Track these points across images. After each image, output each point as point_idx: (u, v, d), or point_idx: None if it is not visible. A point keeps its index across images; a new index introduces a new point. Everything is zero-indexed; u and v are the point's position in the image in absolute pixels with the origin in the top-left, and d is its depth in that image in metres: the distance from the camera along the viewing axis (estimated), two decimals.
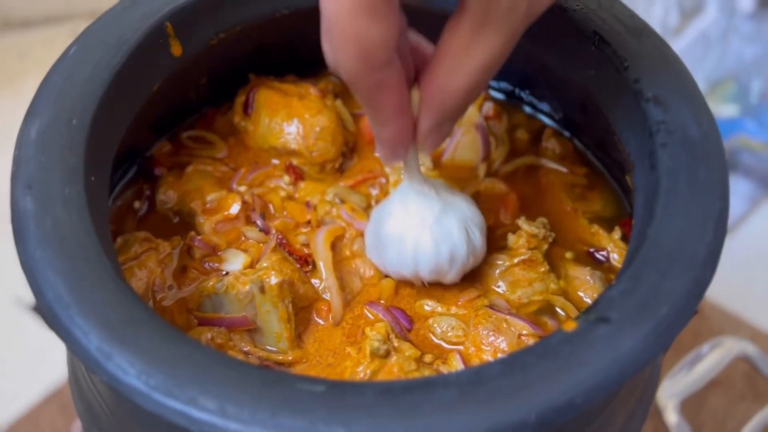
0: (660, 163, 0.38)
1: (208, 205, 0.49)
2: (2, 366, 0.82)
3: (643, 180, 0.39)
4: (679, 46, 1.11)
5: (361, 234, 0.48)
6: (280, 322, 0.42)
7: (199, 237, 0.47)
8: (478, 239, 0.44)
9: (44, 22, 1.16)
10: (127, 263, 0.45)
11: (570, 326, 0.32)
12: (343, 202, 0.50)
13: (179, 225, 0.50)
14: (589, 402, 0.30)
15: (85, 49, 0.41)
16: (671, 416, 0.65)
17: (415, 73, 0.40)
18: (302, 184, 0.51)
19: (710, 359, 0.68)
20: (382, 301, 0.45)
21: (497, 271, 0.46)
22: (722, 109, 1.04)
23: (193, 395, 0.29)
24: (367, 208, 0.50)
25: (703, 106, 0.40)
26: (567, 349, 0.31)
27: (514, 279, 0.46)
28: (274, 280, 0.42)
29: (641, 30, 0.44)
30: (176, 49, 0.46)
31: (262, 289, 0.42)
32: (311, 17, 0.52)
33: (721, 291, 0.87)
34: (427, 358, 0.42)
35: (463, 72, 0.37)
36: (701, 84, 1.06)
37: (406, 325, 0.45)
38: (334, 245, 0.47)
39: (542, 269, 0.46)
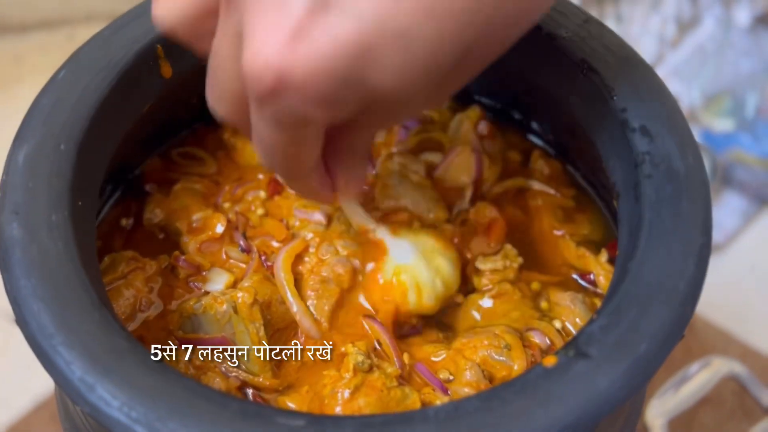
0: (644, 196, 0.38)
1: (194, 224, 0.49)
2: None
3: (627, 211, 0.40)
4: (675, 58, 1.11)
5: (326, 237, 0.48)
6: (253, 344, 0.42)
7: (183, 257, 0.47)
8: (447, 268, 0.45)
9: (40, 26, 1.16)
10: (114, 282, 0.45)
11: (549, 361, 0.32)
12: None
13: (165, 241, 0.50)
14: None
15: (74, 72, 0.42)
16: None
17: None
18: (276, 199, 0.51)
19: (699, 379, 0.68)
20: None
21: (471, 310, 0.46)
22: (717, 123, 1.04)
23: (174, 428, 0.30)
24: (336, 211, 0.50)
25: (688, 138, 0.41)
26: (545, 385, 0.31)
27: (491, 314, 0.46)
28: (246, 300, 0.42)
29: (630, 59, 0.44)
30: (166, 71, 0.46)
31: (235, 309, 0.42)
32: None
33: (712, 307, 0.88)
34: (414, 380, 0.43)
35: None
36: (696, 97, 1.06)
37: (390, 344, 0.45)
38: (300, 258, 0.47)
39: (515, 297, 0.47)
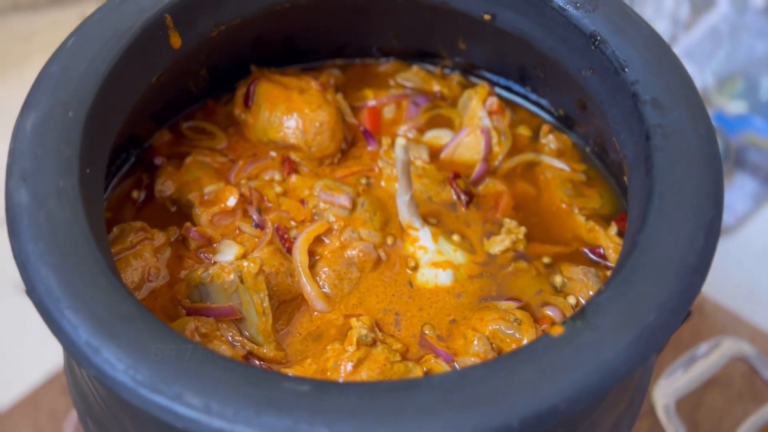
0: (655, 168, 0.38)
1: (205, 197, 0.49)
2: (5, 348, 0.83)
3: (637, 184, 0.39)
4: (688, 40, 1.10)
5: (349, 222, 0.48)
6: (258, 315, 0.42)
7: (195, 228, 0.47)
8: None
9: (52, 4, 1.16)
10: (123, 253, 0.45)
11: (556, 331, 0.32)
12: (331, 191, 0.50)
13: (176, 214, 0.50)
14: (572, 408, 0.30)
15: (83, 40, 0.42)
16: (666, 415, 0.65)
17: None
18: (294, 178, 0.51)
19: (707, 359, 0.68)
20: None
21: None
22: (730, 106, 1.03)
23: (178, 392, 0.30)
24: (358, 197, 0.50)
25: (701, 110, 0.40)
26: (552, 354, 0.31)
27: (506, 289, 0.47)
28: (251, 269, 0.42)
29: (642, 32, 0.44)
30: (175, 41, 0.46)
31: (242, 279, 0.42)
32: (311, 10, 0.53)
33: (722, 289, 0.87)
34: (413, 355, 0.43)
35: None
36: (709, 79, 1.05)
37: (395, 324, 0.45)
38: (320, 240, 0.47)
39: (531, 274, 0.47)
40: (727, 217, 0.93)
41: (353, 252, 0.47)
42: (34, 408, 0.77)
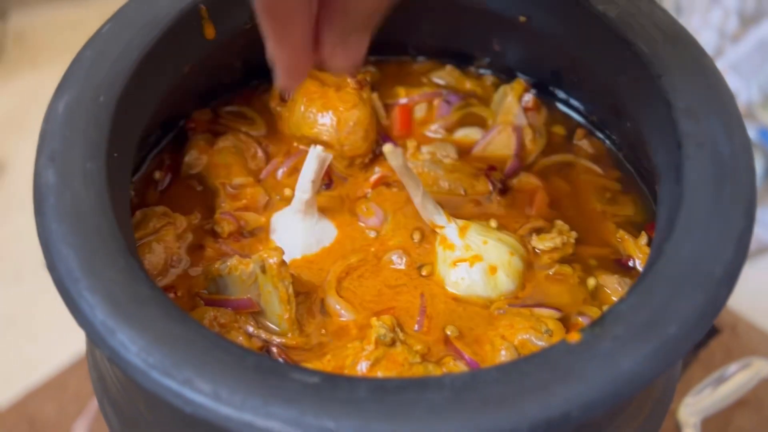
0: (685, 177, 0.37)
1: (232, 190, 0.49)
2: (33, 329, 0.84)
3: (667, 193, 0.38)
4: (735, 53, 1.08)
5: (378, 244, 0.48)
6: (281, 303, 0.42)
7: (229, 212, 0.47)
8: (516, 266, 0.46)
9: None
10: (146, 238, 0.46)
11: (574, 338, 0.32)
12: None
13: (203, 194, 0.50)
14: (584, 417, 0.29)
15: (117, 27, 0.42)
16: None
17: None
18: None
19: (737, 379, 0.66)
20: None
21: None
22: None
23: (189, 377, 0.30)
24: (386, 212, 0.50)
25: (737, 120, 0.39)
26: (567, 360, 0.31)
27: (542, 292, 0.46)
28: (274, 259, 0.42)
29: (680, 38, 0.43)
30: (209, 32, 0.47)
31: (263, 269, 0.42)
32: None
33: (757, 309, 0.85)
34: (434, 357, 0.42)
35: None
36: (755, 93, 1.02)
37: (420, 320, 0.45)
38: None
39: (572, 282, 0.46)
40: (765, 235, 0.91)
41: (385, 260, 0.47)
42: (60, 389, 0.78)
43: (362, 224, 0.49)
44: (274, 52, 0.35)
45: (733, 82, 1.06)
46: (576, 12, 0.46)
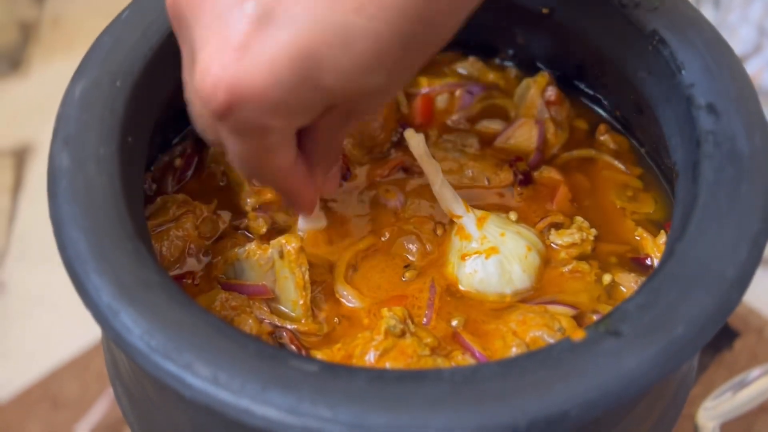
0: (702, 176, 0.36)
1: (257, 185, 0.49)
2: (59, 310, 0.86)
3: (683, 191, 0.38)
4: None
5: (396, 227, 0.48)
6: (297, 289, 0.42)
7: (262, 209, 0.48)
8: (533, 261, 0.46)
9: None
10: (165, 225, 0.46)
11: (578, 335, 0.31)
12: None
13: (226, 189, 0.50)
14: (584, 416, 0.29)
15: (137, 13, 0.43)
16: None
17: None
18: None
19: (758, 384, 0.64)
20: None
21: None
22: None
23: (189, 361, 0.30)
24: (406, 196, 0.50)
25: (758, 118, 0.38)
26: (570, 358, 0.30)
27: (558, 288, 0.45)
28: (294, 245, 0.42)
29: (703, 32, 0.42)
30: None
31: (281, 255, 0.42)
32: None
33: None
34: (444, 350, 0.42)
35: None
36: None
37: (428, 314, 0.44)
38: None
39: (589, 279, 0.45)
40: None
41: (397, 245, 0.47)
42: (83, 369, 0.79)
43: (383, 203, 0.49)
44: (291, 209, 0.46)
45: None
46: (599, 4, 0.45)
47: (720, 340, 0.59)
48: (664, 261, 0.34)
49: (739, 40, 1.08)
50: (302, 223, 0.48)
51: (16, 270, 0.90)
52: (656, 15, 0.43)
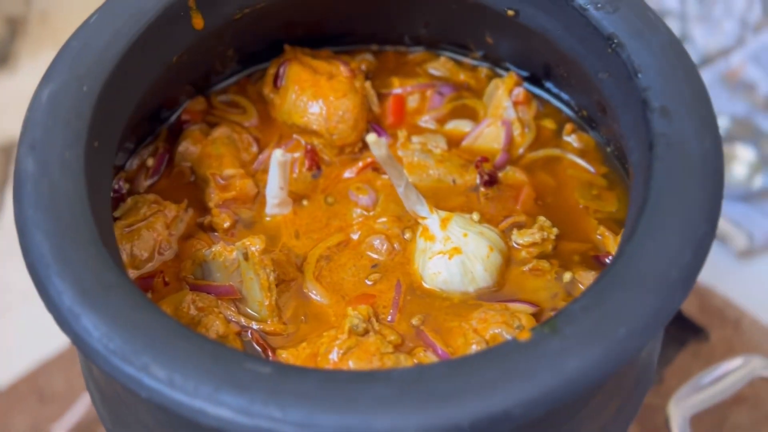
0: (653, 178, 0.37)
1: (222, 181, 0.50)
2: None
3: (636, 192, 0.39)
4: (756, 43, 1.06)
5: (367, 225, 0.49)
6: (261, 290, 0.43)
7: (225, 205, 0.49)
8: (495, 261, 0.47)
9: None
10: (136, 224, 0.47)
11: (523, 336, 0.32)
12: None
13: (194, 185, 0.51)
14: (527, 415, 0.30)
15: (105, 18, 0.43)
16: (679, 429, 0.63)
17: None
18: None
19: (731, 376, 0.65)
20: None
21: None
22: None
23: (146, 363, 0.31)
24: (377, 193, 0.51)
25: (711, 122, 0.39)
26: (514, 358, 0.31)
27: (518, 287, 0.46)
28: (256, 247, 0.43)
29: (662, 37, 0.42)
30: (198, 23, 0.47)
31: (246, 256, 0.43)
32: None
33: (763, 305, 0.84)
34: (408, 348, 0.43)
35: None
36: None
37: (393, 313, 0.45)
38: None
39: (549, 277, 0.46)
40: None
41: (366, 244, 0.48)
42: (69, 363, 0.81)
43: (354, 200, 0.50)
44: None
45: (752, 73, 1.05)
46: (561, 6, 0.46)
47: (684, 334, 0.60)
48: (612, 263, 0.35)
49: (722, 33, 1.09)
50: (269, 209, 0.49)
51: (4, 265, 0.91)
52: (615, 18, 0.43)
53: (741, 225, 0.89)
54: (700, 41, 1.08)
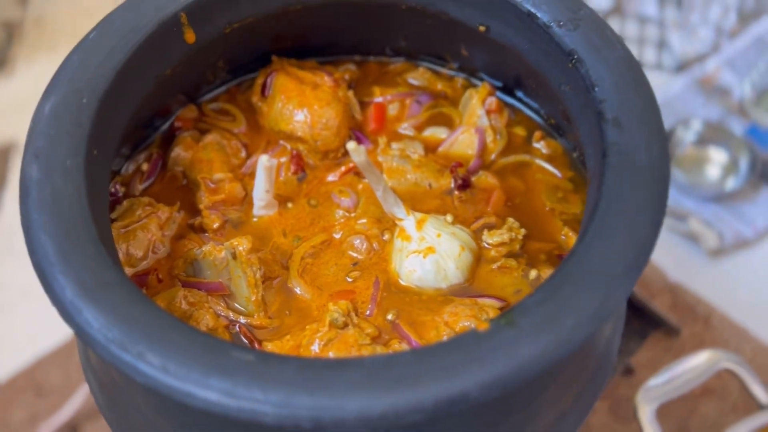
0: (605, 184, 0.40)
1: (212, 185, 0.54)
2: (44, 303, 0.90)
3: (591, 197, 0.42)
4: (731, 50, 1.09)
5: (348, 226, 0.52)
6: (248, 287, 0.47)
7: (215, 207, 0.52)
8: (466, 260, 0.50)
9: None
10: (131, 225, 0.50)
11: (482, 327, 0.36)
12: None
13: (186, 188, 0.55)
14: (483, 397, 0.33)
15: (102, 34, 0.47)
16: (646, 418, 0.67)
17: None
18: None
19: (697, 369, 0.69)
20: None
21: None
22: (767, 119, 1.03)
23: (141, 351, 0.34)
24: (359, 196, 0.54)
25: (659, 132, 0.42)
26: (473, 347, 0.35)
27: (488, 283, 0.50)
28: (243, 247, 0.47)
29: (617, 53, 0.46)
30: (189, 37, 0.51)
31: (234, 255, 0.47)
32: (322, 12, 0.57)
33: (733, 302, 0.88)
34: (383, 340, 0.47)
35: None
36: (748, 90, 1.04)
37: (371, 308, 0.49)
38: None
39: (516, 274, 0.50)
40: (747, 231, 0.93)
41: (347, 244, 0.52)
42: (66, 358, 0.84)
43: (336, 202, 0.54)
44: None
45: (727, 78, 1.08)
46: (527, 24, 0.49)
47: (646, 328, 0.64)
48: (564, 261, 0.38)
49: (698, 39, 1.12)
50: (256, 210, 0.52)
51: (2, 264, 0.94)
52: (575, 35, 0.47)
53: (713, 225, 0.93)
54: (677, 47, 1.12)
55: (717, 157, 0.99)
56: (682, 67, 1.11)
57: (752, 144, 0.98)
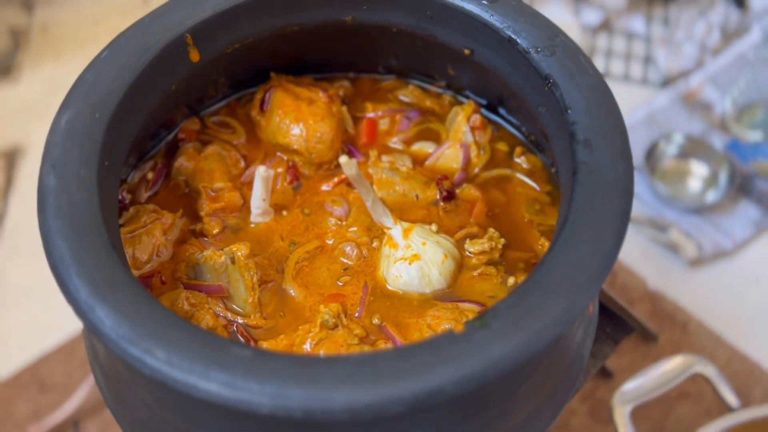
0: (574, 200, 0.44)
1: (212, 193, 0.58)
2: (48, 301, 0.93)
3: (562, 211, 0.46)
4: (714, 66, 1.13)
5: (340, 233, 0.56)
6: (246, 290, 0.50)
7: (216, 215, 0.56)
8: (448, 267, 0.54)
9: None
10: (137, 231, 0.54)
11: (458, 328, 0.39)
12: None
13: (188, 196, 0.58)
14: (457, 391, 0.37)
15: (113, 53, 0.50)
16: (620, 420, 0.70)
17: None
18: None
19: (668, 374, 0.73)
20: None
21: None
22: (748, 134, 1.06)
23: (148, 346, 0.38)
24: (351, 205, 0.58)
25: (625, 152, 0.46)
26: (449, 346, 0.38)
27: (468, 289, 0.53)
28: (242, 252, 0.50)
29: (590, 78, 0.50)
30: (194, 56, 0.55)
31: (233, 260, 0.50)
32: (318, 33, 0.60)
33: (710, 310, 0.92)
34: (370, 340, 0.50)
35: None
36: (729, 105, 1.08)
37: (360, 310, 0.52)
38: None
39: (495, 281, 0.53)
40: (725, 242, 0.97)
41: (338, 250, 0.55)
42: (69, 355, 0.87)
43: (329, 210, 0.57)
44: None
45: (709, 94, 1.12)
46: (508, 49, 0.53)
47: (619, 333, 0.68)
48: (534, 269, 0.42)
49: (683, 56, 1.16)
50: (254, 218, 0.56)
51: (8, 263, 0.97)
52: (551, 61, 0.51)
53: (692, 236, 0.97)
54: (662, 63, 1.16)
55: (698, 171, 1.03)
56: (666, 82, 1.15)
57: (732, 158, 1.02)
